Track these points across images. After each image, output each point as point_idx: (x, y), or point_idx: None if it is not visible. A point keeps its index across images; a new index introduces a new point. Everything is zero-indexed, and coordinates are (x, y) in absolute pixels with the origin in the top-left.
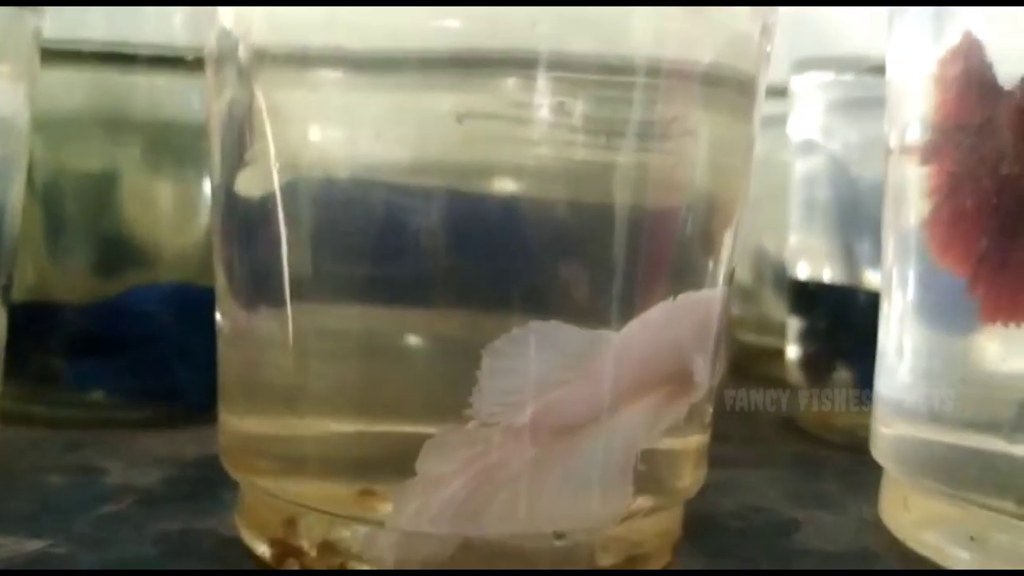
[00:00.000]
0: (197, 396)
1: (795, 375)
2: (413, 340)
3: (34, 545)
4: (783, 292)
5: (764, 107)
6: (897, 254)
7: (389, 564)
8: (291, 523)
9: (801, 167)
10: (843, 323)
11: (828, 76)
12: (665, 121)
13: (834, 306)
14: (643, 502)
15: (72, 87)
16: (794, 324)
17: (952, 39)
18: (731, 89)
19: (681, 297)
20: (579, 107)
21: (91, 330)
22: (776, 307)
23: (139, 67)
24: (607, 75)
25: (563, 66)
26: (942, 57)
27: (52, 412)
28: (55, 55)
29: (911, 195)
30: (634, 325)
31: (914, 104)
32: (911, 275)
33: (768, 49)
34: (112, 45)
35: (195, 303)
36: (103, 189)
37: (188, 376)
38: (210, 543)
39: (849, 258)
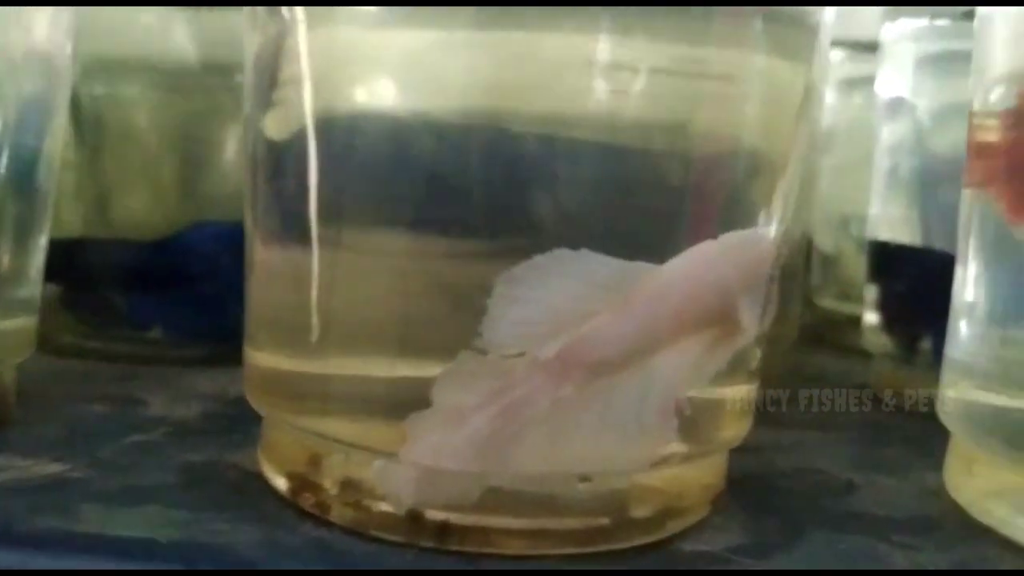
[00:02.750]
0: None
1: (872, 341)
2: (440, 280)
3: (54, 468)
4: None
5: (852, 67)
6: (972, 214)
7: (406, 502)
8: (315, 460)
9: (887, 130)
10: (923, 289)
11: (922, 23)
12: (721, 59)
13: (914, 272)
14: (676, 448)
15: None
16: (872, 290)
17: None
18: (790, 28)
19: (730, 234)
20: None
21: (149, 267)
22: (857, 274)
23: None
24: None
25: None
26: None
27: (107, 347)
28: None
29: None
30: (677, 260)
31: (1003, 56)
32: (985, 236)
33: None
34: None
35: None
36: (169, 131)
37: (242, 315)
38: (232, 476)
39: (931, 225)
